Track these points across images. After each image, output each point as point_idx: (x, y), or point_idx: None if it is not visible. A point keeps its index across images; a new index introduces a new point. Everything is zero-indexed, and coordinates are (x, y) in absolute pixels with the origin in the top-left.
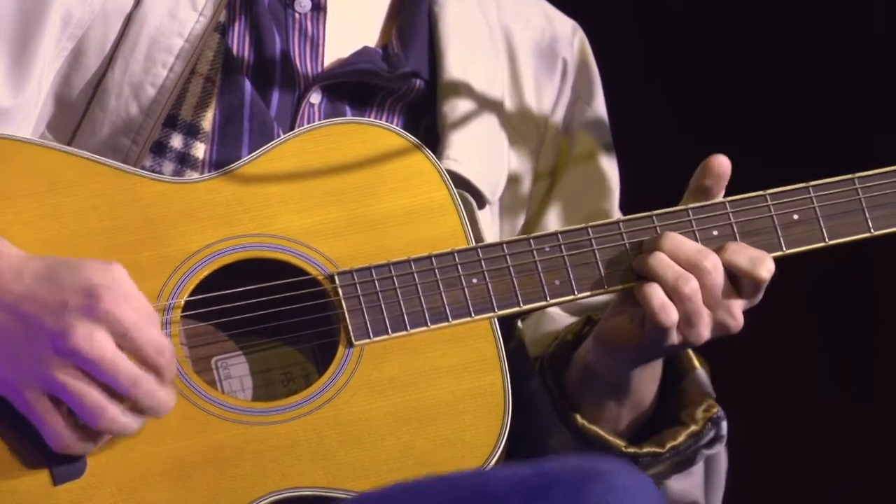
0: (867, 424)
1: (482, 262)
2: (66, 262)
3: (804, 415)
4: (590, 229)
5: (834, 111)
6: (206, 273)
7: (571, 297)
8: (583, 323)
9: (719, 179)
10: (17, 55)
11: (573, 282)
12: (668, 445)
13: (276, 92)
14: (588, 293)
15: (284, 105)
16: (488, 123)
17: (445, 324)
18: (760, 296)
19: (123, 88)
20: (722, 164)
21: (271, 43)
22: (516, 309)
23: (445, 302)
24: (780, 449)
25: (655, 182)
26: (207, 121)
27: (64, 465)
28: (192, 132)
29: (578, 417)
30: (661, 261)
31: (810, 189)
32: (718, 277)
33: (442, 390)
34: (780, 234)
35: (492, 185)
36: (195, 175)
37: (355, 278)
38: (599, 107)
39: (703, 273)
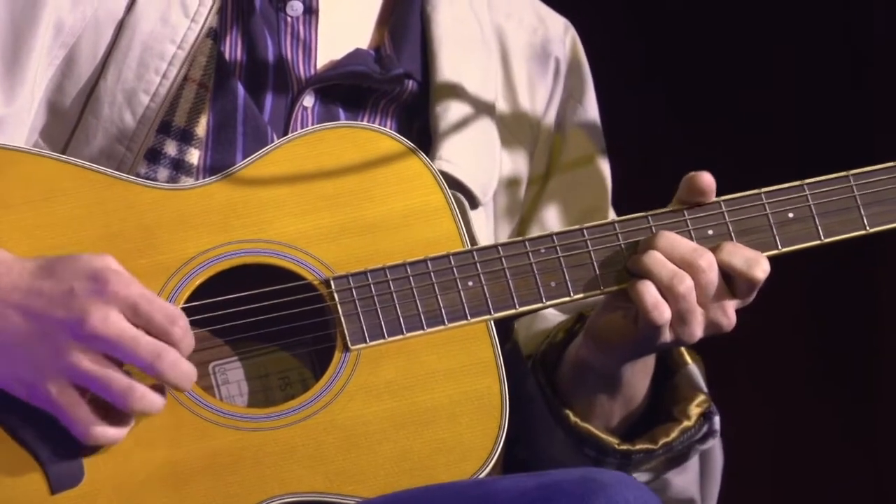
0: (865, 423)
1: (478, 264)
2: (59, 257)
3: (802, 413)
4: (585, 230)
5: (834, 111)
6: (201, 279)
7: (567, 298)
8: (574, 320)
9: (703, 196)
10: (8, 63)
11: (569, 283)
12: (661, 442)
13: (269, 96)
14: (584, 294)
15: (278, 109)
16: (481, 124)
17: (442, 327)
18: (754, 295)
19: (116, 96)
20: (705, 181)
21: (264, 47)
22: (512, 311)
23: (441, 305)
24: (778, 447)
25: (655, 182)
26: (201, 127)
27: (61, 474)
28: (186, 138)
29: (571, 416)
30: (655, 259)
31: (805, 187)
32: (713, 276)
33: (439, 394)
34: (775, 232)
35: (484, 185)
36: (190, 181)
37: (351, 283)
38: (591, 105)
39: (697, 271)
